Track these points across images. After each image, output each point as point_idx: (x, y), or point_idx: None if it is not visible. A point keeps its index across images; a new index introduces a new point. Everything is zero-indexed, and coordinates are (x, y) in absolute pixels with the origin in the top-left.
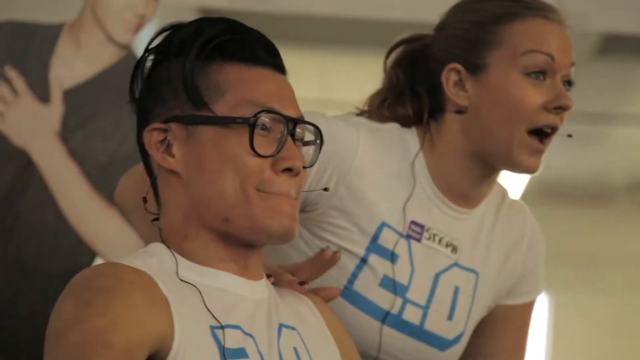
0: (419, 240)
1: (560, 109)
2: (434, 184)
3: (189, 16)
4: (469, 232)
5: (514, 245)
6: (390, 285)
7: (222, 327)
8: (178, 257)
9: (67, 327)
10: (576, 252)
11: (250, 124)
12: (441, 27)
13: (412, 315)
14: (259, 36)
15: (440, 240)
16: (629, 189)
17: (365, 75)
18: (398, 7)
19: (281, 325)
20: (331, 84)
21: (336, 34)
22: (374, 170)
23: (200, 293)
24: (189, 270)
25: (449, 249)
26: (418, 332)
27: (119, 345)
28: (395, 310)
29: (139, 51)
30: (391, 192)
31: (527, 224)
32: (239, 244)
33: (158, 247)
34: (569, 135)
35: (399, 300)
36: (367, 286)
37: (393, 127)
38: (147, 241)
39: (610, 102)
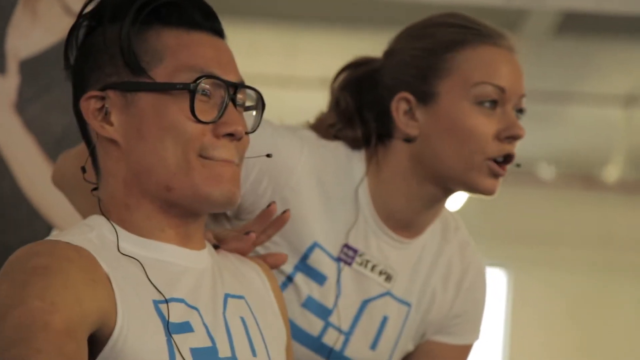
0: (349, 264)
1: (511, 138)
2: (375, 209)
3: None
4: (408, 263)
5: (454, 282)
6: (314, 307)
7: (166, 301)
8: (118, 229)
9: (3, 309)
10: (535, 231)
11: (191, 90)
12: (390, 52)
13: (332, 339)
14: (196, 0)
15: (373, 268)
16: (588, 168)
17: (330, 53)
18: None
19: (227, 295)
20: (295, 61)
21: (299, 10)
22: (313, 188)
23: (142, 266)
24: (130, 242)
25: (383, 277)
26: (337, 358)
27: (59, 325)
28: (315, 333)
29: None
30: (329, 213)
31: (472, 266)
32: (181, 213)
33: (98, 220)
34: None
35: (320, 323)
36: (289, 306)
37: (340, 147)
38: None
39: (569, 81)
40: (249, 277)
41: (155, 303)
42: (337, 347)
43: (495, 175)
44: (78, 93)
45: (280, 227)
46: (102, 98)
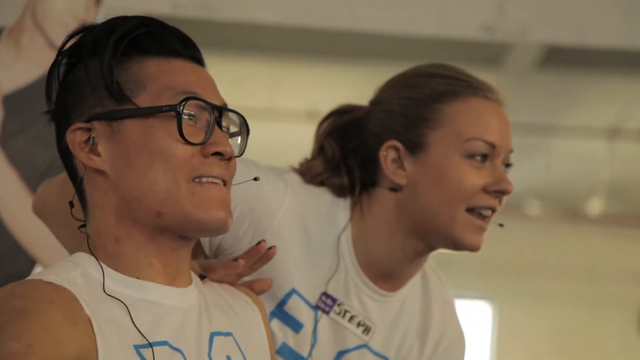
0: (327, 313)
1: (500, 192)
2: (356, 258)
3: None
4: (387, 316)
5: (432, 340)
6: (288, 354)
7: (150, 345)
8: (105, 267)
9: None
10: (519, 263)
11: (177, 112)
12: (378, 101)
13: None
14: (175, 30)
15: (351, 318)
16: (572, 200)
17: (314, 86)
18: (344, 17)
19: (213, 334)
20: (279, 94)
21: (283, 43)
22: (295, 234)
23: (127, 308)
24: (116, 281)
25: (361, 328)
26: None
27: None
28: None
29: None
30: (309, 260)
31: (451, 328)
32: (171, 239)
33: (84, 257)
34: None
35: None
36: None
37: (325, 193)
38: (69, 248)
39: (553, 114)
40: (239, 309)
41: (137, 348)
42: None
43: (479, 230)
44: (62, 128)
45: (266, 262)
46: (88, 130)
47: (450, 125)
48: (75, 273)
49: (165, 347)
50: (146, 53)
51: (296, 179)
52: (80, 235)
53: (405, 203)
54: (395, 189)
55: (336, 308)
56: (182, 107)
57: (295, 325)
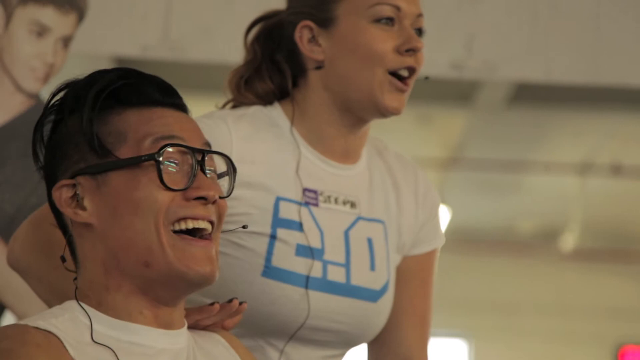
0: (316, 205)
1: (411, 50)
2: (314, 149)
3: (100, 65)
4: (362, 186)
5: (409, 193)
6: (307, 252)
7: None
8: (94, 312)
9: None
10: (493, 300)
11: (156, 159)
12: None
13: (336, 274)
14: (154, 79)
15: (336, 200)
16: (545, 237)
17: None
18: None
19: None
20: None
21: None
22: (253, 152)
23: (115, 354)
24: (105, 325)
25: (348, 205)
26: (347, 290)
27: None
28: (318, 274)
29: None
30: (276, 167)
31: (417, 174)
32: (162, 292)
33: (73, 304)
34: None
35: (318, 264)
36: (285, 258)
37: (257, 109)
38: (45, 301)
39: (524, 150)
40: (216, 352)
41: None
42: (343, 280)
43: (399, 91)
44: (50, 186)
45: (235, 316)
46: (74, 186)
47: None
48: (64, 318)
49: None
50: (126, 105)
51: (226, 111)
52: (56, 287)
53: (329, 78)
54: (319, 66)
55: (320, 197)
56: (160, 156)
57: (295, 225)
